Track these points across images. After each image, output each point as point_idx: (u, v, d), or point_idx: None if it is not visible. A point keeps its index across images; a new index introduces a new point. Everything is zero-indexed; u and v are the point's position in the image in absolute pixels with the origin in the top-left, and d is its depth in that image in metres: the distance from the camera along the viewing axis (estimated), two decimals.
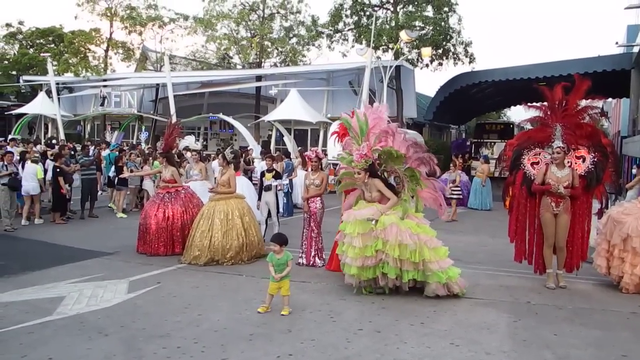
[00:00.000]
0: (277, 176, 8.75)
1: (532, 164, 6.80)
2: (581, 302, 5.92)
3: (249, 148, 20.05)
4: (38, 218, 10.61)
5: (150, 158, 13.03)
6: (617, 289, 6.37)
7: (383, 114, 6.08)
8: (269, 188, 8.54)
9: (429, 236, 5.50)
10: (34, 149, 14.52)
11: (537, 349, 4.52)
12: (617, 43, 21.49)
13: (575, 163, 6.60)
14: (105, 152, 15.10)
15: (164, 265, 7.26)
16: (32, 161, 10.83)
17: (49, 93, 27.98)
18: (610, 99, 31.25)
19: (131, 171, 11.89)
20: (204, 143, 27.05)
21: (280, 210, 12.26)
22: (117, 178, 12.15)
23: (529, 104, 7.06)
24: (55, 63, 28.16)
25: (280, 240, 5.35)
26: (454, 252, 8.51)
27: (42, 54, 29.08)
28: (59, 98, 28.56)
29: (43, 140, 24.16)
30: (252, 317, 5.21)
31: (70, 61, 28.71)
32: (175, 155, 9.34)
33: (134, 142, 24.14)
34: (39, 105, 27.95)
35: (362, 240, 5.53)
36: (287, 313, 5.22)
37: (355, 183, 5.96)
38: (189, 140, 14.81)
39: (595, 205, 6.93)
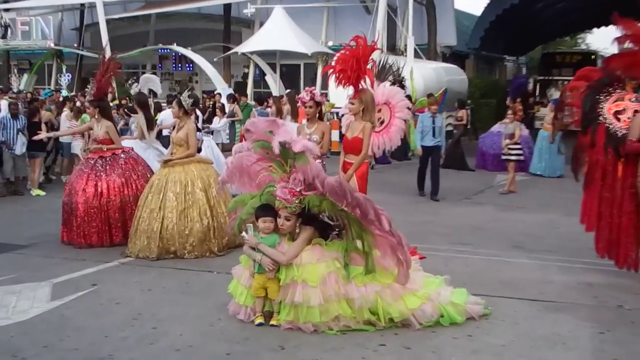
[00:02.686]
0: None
1: (615, 114, 6.67)
2: None
3: (215, 92, 19.98)
4: None
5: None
6: None
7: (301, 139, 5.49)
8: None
9: (385, 284, 5.21)
10: None
11: None
12: None
13: None
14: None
15: (100, 260, 7.28)
16: None
17: None
18: None
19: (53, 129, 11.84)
20: None
21: None
22: (30, 141, 11.94)
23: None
24: None
25: (271, 213, 5.32)
26: (513, 236, 8.72)
27: None
28: None
29: None
30: (228, 329, 5.19)
31: None
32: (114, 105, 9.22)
33: (53, 89, 23.99)
34: None
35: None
36: (277, 323, 5.23)
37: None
38: (152, 80, 14.78)
39: None
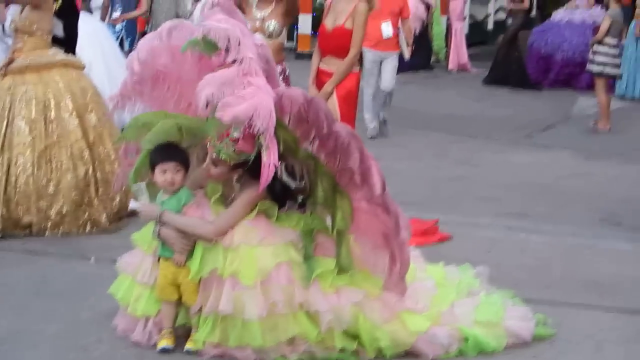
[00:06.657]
0: None
1: None
2: None
3: None
4: None
5: None
6: None
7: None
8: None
9: (370, 293, 4.09)
10: None
11: None
12: None
13: None
14: None
15: None
16: None
17: None
18: None
19: None
20: None
21: None
22: None
23: None
24: None
25: (177, 156, 4.02)
26: (602, 203, 7.19)
27: None
28: None
29: None
30: (114, 358, 4.05)
31: None
32: None
33: None
34: None
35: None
36: (194, 348, 4.04)
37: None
38: None
39: None
